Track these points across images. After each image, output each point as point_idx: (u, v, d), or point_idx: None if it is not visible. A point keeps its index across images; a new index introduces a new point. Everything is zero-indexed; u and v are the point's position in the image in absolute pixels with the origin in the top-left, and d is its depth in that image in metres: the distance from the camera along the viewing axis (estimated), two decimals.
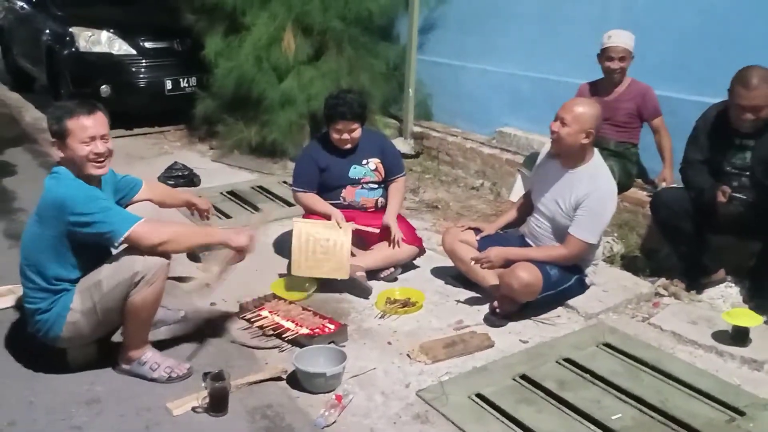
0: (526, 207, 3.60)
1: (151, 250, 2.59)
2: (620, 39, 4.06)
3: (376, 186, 3.84)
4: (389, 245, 3.67)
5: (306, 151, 3.88)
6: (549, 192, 3.35)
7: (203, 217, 3.42)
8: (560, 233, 3.31)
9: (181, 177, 5.27)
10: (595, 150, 3.33)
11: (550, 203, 3.34)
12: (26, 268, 2.68)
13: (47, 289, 2.64)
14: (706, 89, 3.94)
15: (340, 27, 5.82)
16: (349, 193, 3.78)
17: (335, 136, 3.71)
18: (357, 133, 3.72)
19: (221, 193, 5.11)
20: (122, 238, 2.54)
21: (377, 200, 3.85)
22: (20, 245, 2.75)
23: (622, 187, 4.22)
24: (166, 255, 2.66)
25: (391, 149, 3.96)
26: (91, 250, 2.65)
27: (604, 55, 4.09)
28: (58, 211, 2.55)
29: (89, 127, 2.61)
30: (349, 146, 3.75)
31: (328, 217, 3.63)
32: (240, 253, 2.81)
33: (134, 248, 2.58)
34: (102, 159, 2.66)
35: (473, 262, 3.32)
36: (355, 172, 3.78)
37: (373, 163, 3.81)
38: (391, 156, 3.91)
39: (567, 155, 3.29)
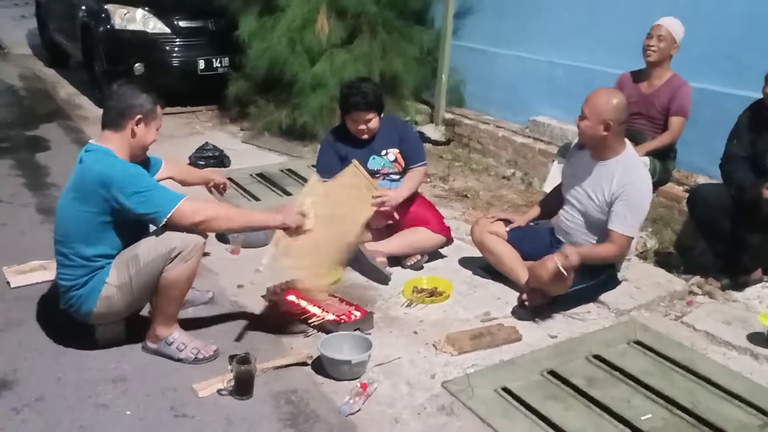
0: (558, 199, 3.53)
1: (192, 229, 2.61)
2: (665, 20, 3.96)
3: (397, 177, 3.76)
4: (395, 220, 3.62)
5: (326, 140, 3.81)
6: (580, 185, 3.29)
7: (220, 192, 3.42)
8: (593, 226, 3.25)
9: (212, 158, 5.28)
10: (627, 142, 3.24)
11: (581, 196, 3.28)
12: (63, 245, 2.68)
13: (86, 265, 2.65)
14: (752, 83, 3.81)
15: (375, 10, 5.77)
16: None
17: (351, 126, 3.64)
18: (374, 123, 3.62)
19: (251, 175, 5.10)
20: (167, 217, 2.55)
21: None
22: (55, 222, 2.76)
23: (661, 183, 4.13)
24: (203, 234, 2.67)
25: (410, 138, 3.83)
26: (134, 226, 2.68)
27: (647, 34, 3.99)
28: (103, 188, 2.55)
29: (162, 118, 2.80)
30: (366, 136, 3.66)
31: None
32: (288, 231, 2.80)
33: (174, 227, 2.58)
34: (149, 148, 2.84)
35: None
36: (373, 162, 3.71)
37: (393, 153, 3.73)
38: (411, 145, 3.78)
39: (593, 147, 3.23)
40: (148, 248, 2.60)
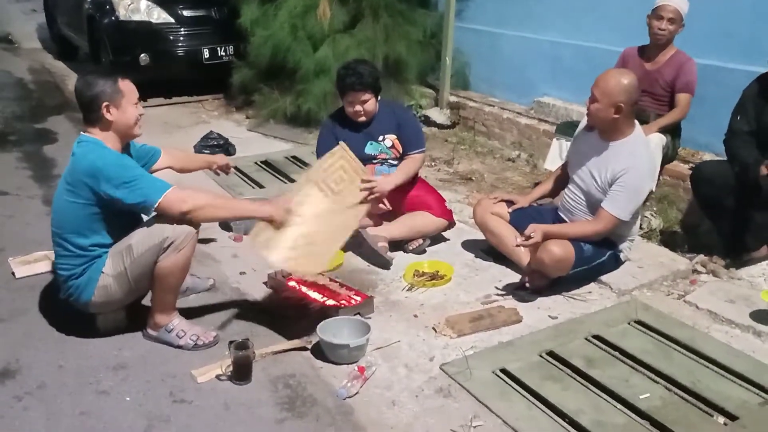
0: (562, 179, 3.50)
1: (181, 218, 2.61)
2: (674, 0, 3.89)
3: (395, 162, 3.73)
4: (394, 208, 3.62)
5: (324, 124, 3.80)
6: (586, 165, 3.25)
7: (225, 173, 3.40)
8: (594, 206, 3.22)
9: (217, 146, 5.28)
10: (636, 124, 3.20)
11: (586, 176, 3.24)
12: (60, 236, 2.71)
13: (82, 255, 2.68)
14: (756, 59, 3.75)
15: None
16: (369, 170, 3.70)
17: (348, 108, 3.62)
18: (370, 105, 3.60)
19: (255, 162, 5.12)
20: (155, 207, 2.56)
21: None
22: (52, 214, 2.79)
23: (667, 161, 4.09)
24: (194, 224, 2.68)
25: (409, 124, 3.78)
26: (126, 216, 2.70)
27: (654, 14, 3.90)
28: (91, 179, 2.57)
29: (134, 89, 2.72)
30: (363, 119, 3.64)
31: None
32: (272, 223, 2.79)
33: (164, 217, 2.60)
34: (140, 121, 2.77)
35: (519, 247, 3.19)
36: (371, 148, 3.69)
37: (390, 139, 3.70)
38: (408, 131, 3.73)
39: (602, 129, 3.18)
40: (140, 238, 2.62)
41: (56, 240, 2.73)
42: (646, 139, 3.27)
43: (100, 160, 2.58)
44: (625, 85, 3.04)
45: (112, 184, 2.55)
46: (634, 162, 3.09)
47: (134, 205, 2.59)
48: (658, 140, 3.84)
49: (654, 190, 3.85)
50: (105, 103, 2.64)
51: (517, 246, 3.18)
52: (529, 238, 3.07)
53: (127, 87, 2.70)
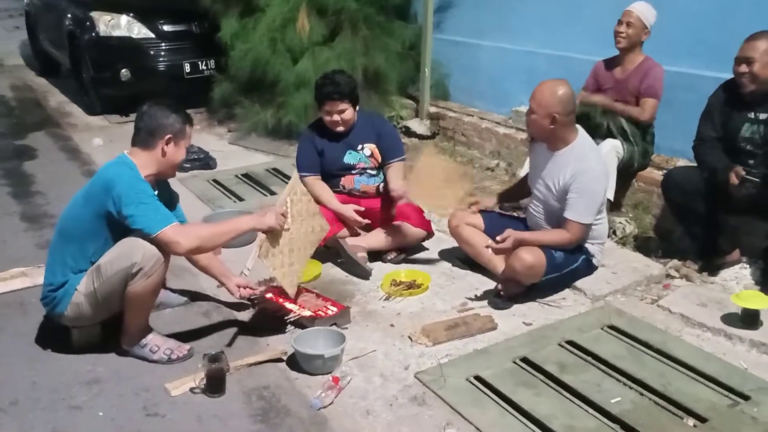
0: (522, 187, 3.59)
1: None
2: (636, 6, 3.96)
3: (374, 172, 3.77)
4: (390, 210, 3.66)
5: (304, 135, 3.84)
6: (541, 176, 3.30)
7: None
8: (552, 216, 3.28)
9: (197, 160, 5.30)
10: (580, 130, 3.24)
11: (542, 187, 3.30)
12: (63, 244, 2.72)
13: (71, 266, 2.70)
14: (726, 65, 3.80)
15: (355, 6, 5.76)
16: (347, 181, 3.74)
17: (326, 117, 3.66)
18: (348, 115, 3.64)
19: (236, 175, 5.14)
20: (153, 237, 2.57)
21: (378, 186, 3.79)
22: (60, 219, 2.82)
23: (640, 168, 4.14)
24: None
25: (388, 133, 3.83)
26: (120, 237, 2.69)
27: (618, 20, 3.99)
28: (103, 190, 2.60)
29: (191, 136, 2.86)
30: (341, 129, 3.68)
31: (335, 215, 3.61)
32: (269, 232, 2.84)
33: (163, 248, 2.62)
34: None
35: (491, 251, 3.22)
36: (350, 157, 3.72)
37: (369, 149, 3.74)
38: (388, 139, 3.78)
39: (544, 140, 3.24)
40: (110, 259, 2.62)
41: (56, 246, 2.77)
42: (592, 142, 3.31)
43: (117, 177, 2.61)
44: (560, 95, 3.08)
45: (120, 201, 2.56)
46: (583, 166, 3.13)
47: (135, 229, 2.59)
48: (611, 146, 3.90)
49: (611, 198, 3.87)
50: (169, 136, 2.70)
51: (487, 247, 3.21)
52: (500, 242, 3.10)
53: (190, 132, 2.83)
